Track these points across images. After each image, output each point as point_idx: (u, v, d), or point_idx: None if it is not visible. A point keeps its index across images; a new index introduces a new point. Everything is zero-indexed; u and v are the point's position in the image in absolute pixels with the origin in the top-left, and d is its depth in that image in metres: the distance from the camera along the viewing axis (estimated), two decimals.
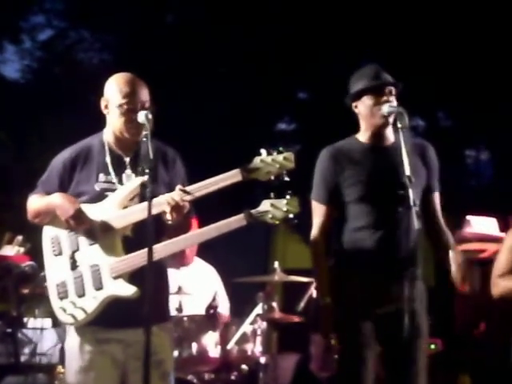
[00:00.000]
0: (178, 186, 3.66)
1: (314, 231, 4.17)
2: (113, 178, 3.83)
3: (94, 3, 17.79)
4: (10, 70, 26.00)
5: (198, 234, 3.75)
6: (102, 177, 3.84)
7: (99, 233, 3.76)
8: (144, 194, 3.54)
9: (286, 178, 3.60)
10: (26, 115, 15.52)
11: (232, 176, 3.62)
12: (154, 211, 3.54)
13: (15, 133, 15.47)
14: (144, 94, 3.84)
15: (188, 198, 3.64)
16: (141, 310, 3.33)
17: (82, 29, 19.11)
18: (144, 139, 3.55)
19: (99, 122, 4.01)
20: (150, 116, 3.66)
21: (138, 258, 3.59)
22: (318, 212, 4.17)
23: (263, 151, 3.59)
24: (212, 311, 5.85)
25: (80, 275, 3.76)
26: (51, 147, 4.16)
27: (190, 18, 17.15)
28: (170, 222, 3.67)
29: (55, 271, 3.83)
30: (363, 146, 4.15)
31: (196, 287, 6.17)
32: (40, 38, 18.94)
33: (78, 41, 19.16)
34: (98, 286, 3.72)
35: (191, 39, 16.88)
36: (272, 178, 3.59)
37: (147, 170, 3.47)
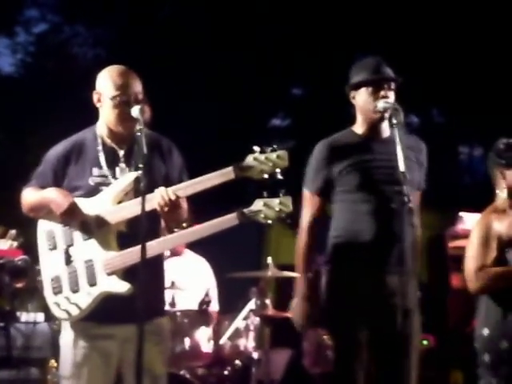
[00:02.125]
0: (170, 189, 3.63)
1: (304, 223, 4.19)
2: (106, 171, 3.81)
3: None
4: (3, 63, 25.91)
5: (190, 232, 3.73)
6: (95, 171, 3.82)
7: (94, 228, 3.75)
8: (138, 189, 3.52)
9: (280, 177, 3.58)
10: (21, 110, 15.50)
11: (225, 174, 3.60)
12: (148, 207, 3.53)
13: (10, 127, 15.46)
14: (137, 86, 3.81)
15: (181, 194, 3.62)
16: (135, 306, 3.32)
17: (76, 23, 19.08)
18: (138, 134, 3.54)
19: (94, 117, 4.00)
20: (143, 110, 3.66)
21: (133, 254, 3.56)
22: (310, 202, 4.18)
23: (256, 149, 3.57)
24: (205, 306, 5.85)
25: (74, 270, 3.74)
26: (46, 142, 4.14)
27: (185, 13, 17.12)
28: (169, 223, 3.67)
29: (50, 266, 3.81)
30: (359, 139, 4.16)
31: (189, 282, 6.17)
32: (34, 31, 18.88)
33: (72, 35, 19.13)
34: (92, 282, 3.71)
35: (186, 35, 16.87)
36: (265, 176, 3.57)
37: (141, 165, 3.46)
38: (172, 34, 17.11)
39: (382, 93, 4.07)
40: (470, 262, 4.40)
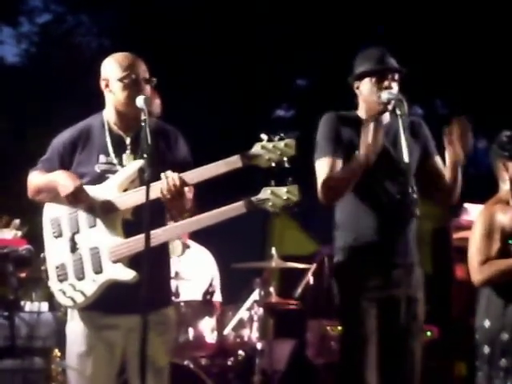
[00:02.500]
0: (165, 174, 3.61)
1: (327, 179, 3.99)
2: (113, 159, 3.81)
3: None
4: (8, 54, 25.91)
5: (197, 220, 3.71)
6: (102, 158, 3.81)
7: (100, 214, 3.74)
8: (143, 178, 3.52)
9: (287, 165, 3.57)
10: (24, 99, 15.48)
11: (232, 162, 3.59)
12: (154, 195, 3.53)
13: (14, 117, 15.45)
14: (143, 66, 3.82)
15: (186, 181, 3.61)
16: (140, 296, 3.32)
17: (79, 13, 19.04)
18: (142, 124, 3.54)
19: (98, 106, 4.00)
20: (148, 100, 3.66)
21: (138, 242, 3.54)
22: (325, 165, 4.02)
23: (264, 137, 3.57)
24: (209, 297, 5.86)
25: (80, 258, 3.74)
26: (50, 131, 4.14)
27: (189, 3, 17.09)
28: (172, 211, 3.66)
29: (55, 253, 3.81)
30: (362, 123, 4.12)
31: (193, 272, 6.16)
32: (38, 21, 18.85)
33: (76, 25, 19.09)
34: (98, 270, 3.71)
35: (189, 25, 16.85)
36: (273, 164, 3.56)
37: (145, 155, 3.46)
38: (175, 24, 17.08)
39: (386, 83, 4.05)
40: (474, 255, 4.40)
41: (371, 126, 3.88)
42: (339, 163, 4.04)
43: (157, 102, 4.89)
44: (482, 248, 4.37)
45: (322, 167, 4.04)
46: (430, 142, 4.23)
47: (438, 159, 4.23)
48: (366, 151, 3.87)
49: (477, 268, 4.37)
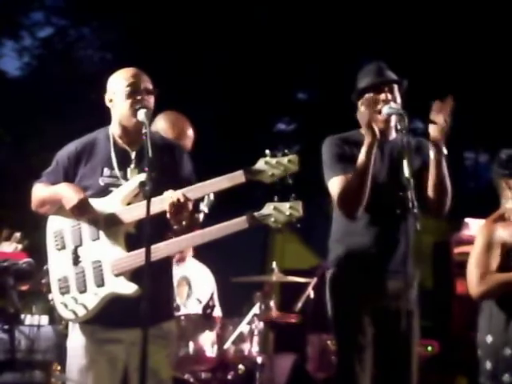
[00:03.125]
0: (179, 191, 3.63)
1: (338, 191, 4.01)
2: (117, 172, 3.82)
3: (95, 1, 17.78)
4: (9, 67, 25.97)
5: (199, 234, 3.71)
6: (106, 171, 3.82)
7: (103, 228, 3.75)
8: (144, 193, 3.52)
9: (290, 181, 3.58)
10: (25, 113, 15.51)
11: (236, 177, 3.60)
12: (158, 208, 3.53)
13: (14, 130, 15.47)
14: (147, 81, 3.85)
15: (190, 196, 3.62)
16: (141, 310, 3.32)
17: (81, 27, 19.09)
18: (143, 137, 3.54)
19: (100, 119, 4.01)
20: (149, 114, 3.67)
21: (141, 256, 3.50)
22: (339, 183, 4.02)
23: (267, 152, 3.58)
24: (209, 311, 5.85)
25: (82, 271, 3.74)
26: (50, 145, 4.15)
27: (188, 16, 17.13)
28: (172, 223, 3.66)
29: (58, 266, 3.81)
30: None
31: (193, 287, 6.17)
32: (40, 35, 18.91)
33: (78, 39, 19.14)
34: (100, 283, 3.71)
35: (191, 38, 16.88)
36: (276, 180, 3.58)
37: (146, 169, 3.46)
38: (177, 37, 17.12)
39: (382, 96, 4.05)
40: (473, 268, 4.40)
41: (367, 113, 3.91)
42: (346, 178, 4.04)
43: (190, 134, 4.87)
44: (482, 262, 4.37)
45: (335, 186, 4.06)
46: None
47: None
48: (369, 144, 3.89)
49: (475, 281, 4.37)
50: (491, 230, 4.41)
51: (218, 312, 6.25)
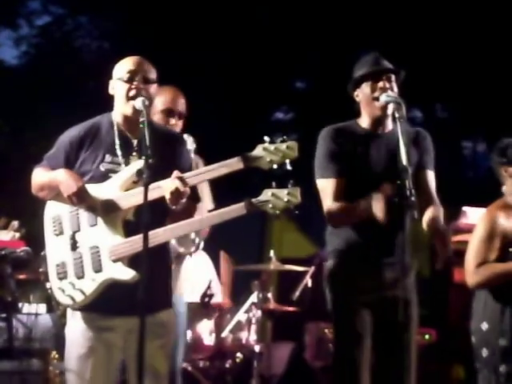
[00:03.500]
0: (175, 173, 3.64)
1: (332, 205, 4.03)
2: (119, 159, 3.80)
3: None
4: (7, 56, 25.90)
5: (198, 220, 3.72)
6: (108, 157, 3.80)
7: (101, 214, 3.73)
8: (142, 180, 3.52)
9: (289, 167, 3.57)
10: (24, 102, 15.49)
11: (233, 164, 3.58)
12: (155, 195, 3.53)
13: (12, 119, 15.45)
14: (149, 70, 3.84)
15: (189, 183, 3.61)
16: (139, 297, 3.32)
17: (79, 15, 19.05)
18: (141, 126, 3.54)
19: (98, 110, 4.00)
20: (147, 102, 3.67)
21: (138, 242, 3.51)
22: (330, 188, 4.06)
23: (266, 139, 3.57)
24: (207, 299, 5.85)
25: (80, 256, 3.73)
26: (48, 134, 4.14)
27: (189, 5, 17.10)
28: (172, 207, 3.65)
29: (55, 251, 3.80)
30: (363, 132, 4.15)
31: (191, 275, 6.16)
32: (37, 23, 18.87)
33: (76, 27, 19.10)
34: (97, 269, 3.70)
35: (189, 27, 16.85)
36: (274, 166, 3.56)
37: (143, 157, 3.46)
38: (174, 26, 17.09)
39: (381, 84, 4.06)
40: (471, 257, 4.41)
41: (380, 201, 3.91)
42: (343, 182, 4.06)
43: (181, 101, 4.88)
44: (481, 251, 4.37)
45: (326, 189, 4.08)
46: (427, 156, 4.23)
47: (428, 174, 4.22)
48: (369, 214, 3.91)
49: (473, 270, 4.38)
50: (493, 219, 4.41)
51: (219, 298, 6.26)
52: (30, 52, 19.13)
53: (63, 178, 3.74)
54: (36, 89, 16.27)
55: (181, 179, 3.58)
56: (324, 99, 16.33)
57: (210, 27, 16.81)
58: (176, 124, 4.50)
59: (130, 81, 3.79)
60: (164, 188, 3.59)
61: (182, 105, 4.56)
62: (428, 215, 4.06)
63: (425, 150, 4.22)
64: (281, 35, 16.91)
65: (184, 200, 3.62)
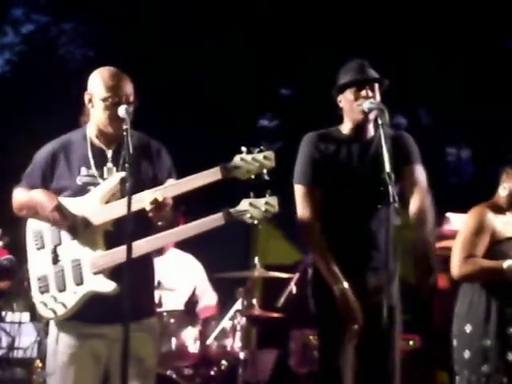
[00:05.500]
0: (155, 189, 3.62)
1: (304, 214, 4.05)
2: (94, 171, 3.81)
3: None
4: None
5: (176, 231, 3.73)
6: (83, 170, 3.82)
7: (81, 228, 3.74)
8: (124, 190, 3.52)
9: (266, 177, 3.59)
10: (8, 110, 15.45)
11: (212, 174, 3.60)
12: (136, 207, 3.53)
13: None
14: (128, 88, 3.81)
15: (169, 195, 3.62)
16: (123, 306, 3.32)
17: (63, 23, 19.03)
18: (124, 133, 3.54)
19: (82, 116, 3.99)
20: (130, 110, 3.66)
21: (119, 253, 3.54)
22: (308, 195, 4.08)
23: (243, 149, 3.59)
24: (191, 306, 5.86)
25: (61, 270, 3.74)
26: (32, 142, 4.13)
27: (173, 14, 17.11)
28: (153, 220, 3.66)
29: (37, 265, 3.81)
30: (345, 137, 4.16)
31: (175, 282, 6.16)
32: (21, 31, 18.83)
33: (60, 35, 19.06)
34: (79, 282, 3.71)
35: (175, 35, 16.87)
36: (252, 176, 3.58)
37: (126, 165, 3.46)
38: (160, 33, 17.10)
39: (363, 93, 4.07)
40: (459, 250, 4.45)
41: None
42: (316, 192, 4.08)
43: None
44: (468, 245, 4.42)
45: (300, 196, 4.10)
46: (411, 151, 4.23)
47: (415, 167, 4.21)
48: None
49: (459, 261, 4.41)
50: (482, 214, 4.47)
51: (211, 300, 6.27)
52: (13, 60, 19.09)
53: (39, 199, 3.77)
54: (20, 97, 16.23)
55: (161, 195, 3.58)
56: (309, 106, 16.36)
57: (197, 34, 16.82)
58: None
59: (111, 105, 3.74)
60: (144, 200, 3.59)
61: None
62: (414, 207, 4.06)
63: (409, 146, 4.22)
64: (267, 42, 16.95)
65: (167, 211, 3.63)
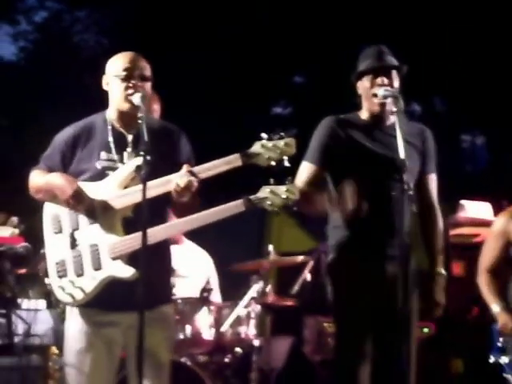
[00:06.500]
0: (185, 167, 3.63)
1: (298, 181, 4.04)
2: (114, 156, 3.81)
3: None
4: (5, 52, 25.88)
5: (196, 218, 3.70)
6: (103, 155, 3.81)
7: (99, 212, 3.74)
8: (141, 177, 3.52)
9: (287, 164, 3.58)
10: (23, 98, 15.48)
11: (232, 160, 3.60)
12: (154, 192, 3.54)
13: (11, 115, 15.46)
14: (144, 67, 3.83)
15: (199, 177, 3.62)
16: (138, 293, 3.33)
17: (77, 11, 19.04)
18: (139, 121, 3.55)
19: (96, 104, 4.00)
20: (145, 98, 3.67)
21: (138, 239, 3.52)
22: (307, 171, 4.12)
23: (264, 136, 3.58)
24: (206, 294, 5.86)
25: (79, 254, 3.74)
26: (47, 130, 4.14)
27: (187, 2, 17.08)
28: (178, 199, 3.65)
29: (55, 249, 3.80)
30: (363, 124, 4.17)
31: (190, 270, 6.17)
32: (35, 19, 18.86)
33: (73, 23, 19.08)
34: (97, 267, 3.71)
35: (188, 22, 16.84)
36: (272, 163, 3.58)
37: (142, 153, 3.46)
38: (175, 20, 17.07)
39: (379, 80, 4.08)
40: (483, 256, 4.46)
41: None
42: (320, 173, 4.12)
43: (155, 107, 4.88)
44: (491, 251, 4.44)
45: (303, 171, 4.14)
46: (430, 159, 4.26)
47: (430, 178, 4.27)
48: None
49: (480, 270, 4.43)
50: (504, 219, 4.46)
51: (217, 298, 6.27)
52: (27, 48, 19.12)
53: (58, 182, 3.75)
54: (34, 85, 16.26)
55: (192, 173, 3.59)
56: (323, 93, 16.33)
57: (209, 22, 16.79)
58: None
59: (127, 79, 3.78)
60: (175, 182, 3.58)
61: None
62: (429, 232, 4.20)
63: (428, 152, 4.24)
64: (280, 30, 16.90)
65: (190, 195, 3.63)
